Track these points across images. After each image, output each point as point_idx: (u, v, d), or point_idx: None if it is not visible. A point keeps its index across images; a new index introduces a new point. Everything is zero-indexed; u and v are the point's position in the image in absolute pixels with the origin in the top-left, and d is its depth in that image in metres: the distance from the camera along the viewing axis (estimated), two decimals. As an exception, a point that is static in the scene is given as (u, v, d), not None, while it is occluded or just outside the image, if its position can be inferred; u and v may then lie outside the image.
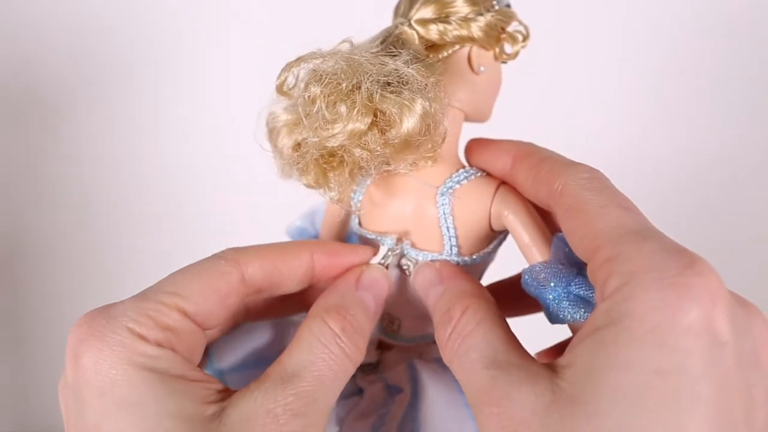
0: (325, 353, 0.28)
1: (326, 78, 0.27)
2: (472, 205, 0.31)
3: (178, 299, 0.27)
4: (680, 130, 0.79)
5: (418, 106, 0.27)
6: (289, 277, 0.31)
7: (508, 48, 0.32)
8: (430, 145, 0.29)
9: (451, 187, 0.31)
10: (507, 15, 0.32)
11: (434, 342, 0.33)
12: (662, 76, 0.78)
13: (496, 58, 0.32)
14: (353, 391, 0.35)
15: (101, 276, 0.82)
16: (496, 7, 0.32)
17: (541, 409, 0.23)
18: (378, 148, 0.28)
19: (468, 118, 0.33)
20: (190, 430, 0.25)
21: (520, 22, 0.33)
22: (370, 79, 0.27)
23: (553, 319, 0.29)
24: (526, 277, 0.29)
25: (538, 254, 0.30)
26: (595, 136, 0.78)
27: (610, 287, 0.23)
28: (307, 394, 0.26)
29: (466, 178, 0.31)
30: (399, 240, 0.32)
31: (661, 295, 0.22)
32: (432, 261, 0.32)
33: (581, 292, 0.28)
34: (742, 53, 0.76)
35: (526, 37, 0.33)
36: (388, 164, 0.29)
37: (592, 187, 0.27)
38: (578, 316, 0.28)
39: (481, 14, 0.31)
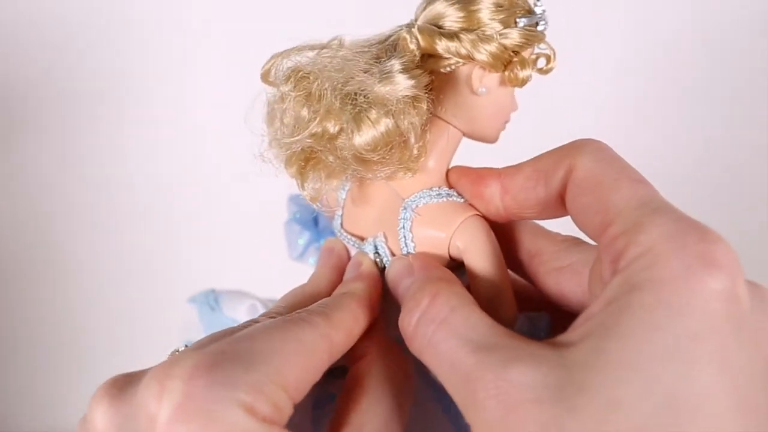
0: (403, 401, 0.27)
1: (294, 77, 0.27)
2: (432, 228, 0.30)
3: (280, 377, 0.24)
4: (671, 131, 0.77)
5: (381, 124, 0.27)
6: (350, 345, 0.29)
7: (518, 73, 0.30)
8: (404, 158, 0.29)
9: (415, 202, 0.30)
10: (529, 39, 0.30)
11: None
12: (654, 77, 0.76)
13: (503, 81, 0.30)
14: (325, 398, 0.33)
15: (101, 276, 0.83)
16: (521, 23, 0.29)
17: (553, 383, 0.21)
18: (348, 157, 0.28)
19: (468, 136, 0.32)
20: None
21: (549, 46, 0.31)
22: (334, 87, 0.27)
23: None
24: None
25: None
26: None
27: (628, 257, 0.22)
28: None
29: (436, 197, 0.30)
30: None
31: (685, 262, 0.21)
32: (400, 256, 0.30)
33: None
34: (733, 55, 0.74)
35: (550, 59, 0.31)
36: (362, 173, 0.29)
37: (603, 158, 0.26)
38: None
39: (493, 37, 0.29)
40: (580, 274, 0.28)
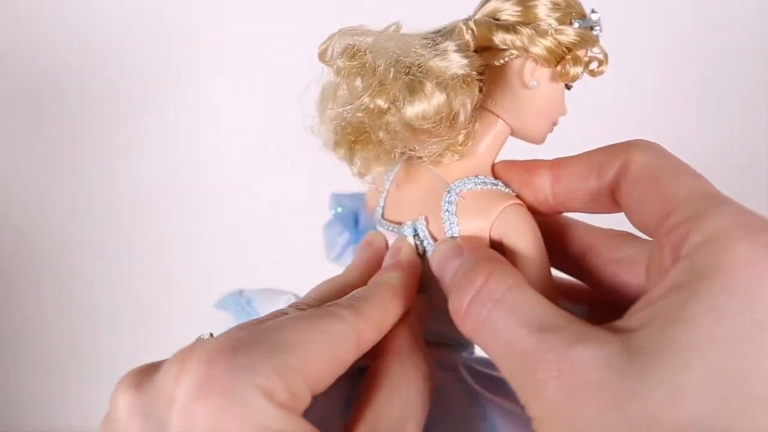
0: (419, 403, 0.26)
1: (354, 53, 0.28)
2: (476, 212, 0.29)
3: (302, 365, 0.24)
4: (678, 127, 0.76)
5: (435, 95, 0.27)
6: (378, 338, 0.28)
7: (570, 70, 0.30)
8: (450, 138, 0.29)
9: (459, 187, 0.30)
10: (584, 38, 0.30)
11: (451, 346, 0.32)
12: (659, 72, 0.75)
13: (553, 76, 0.30)
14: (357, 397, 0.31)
15: (100, 277, 0.83)
16: (576, 26, 0.30)
17: (617, 366, 0.20)
18: (398, 130, 0.28)
19: (515, 134, 0.32)
20: None
21: (602, 50, 0.31)
22: (390, 59, 0.27)
23: None
24: None
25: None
26: (592, 134, 0.75)
27: (692, 244, 0.22)
28: None
29: (480, 185, 0.30)
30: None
31: (753, 251, 0.21)
32: (446, 238, 0.30)
33: None
34: (736, 50, 0.73)
35: (602, 63, 0.31)
36: (411, 150, 0.30)
37: (660, 155, 0.26)
38: None
39: (548, 31, 0.29)
40: (637, 266, 0.28)
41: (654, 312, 0.21)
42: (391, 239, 0.33)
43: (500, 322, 0.24)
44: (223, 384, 0.22)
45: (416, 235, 0.31)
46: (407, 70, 0.27)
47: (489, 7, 0.31)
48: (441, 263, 0.29)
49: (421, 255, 0.32)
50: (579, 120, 0.76)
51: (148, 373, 0.25)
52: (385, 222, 0.34)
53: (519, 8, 0.30)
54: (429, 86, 0.27)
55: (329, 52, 0.30)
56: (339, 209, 0.39)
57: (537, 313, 0.23)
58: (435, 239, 0.31)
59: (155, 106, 0.79)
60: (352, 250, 0.40)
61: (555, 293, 0.28)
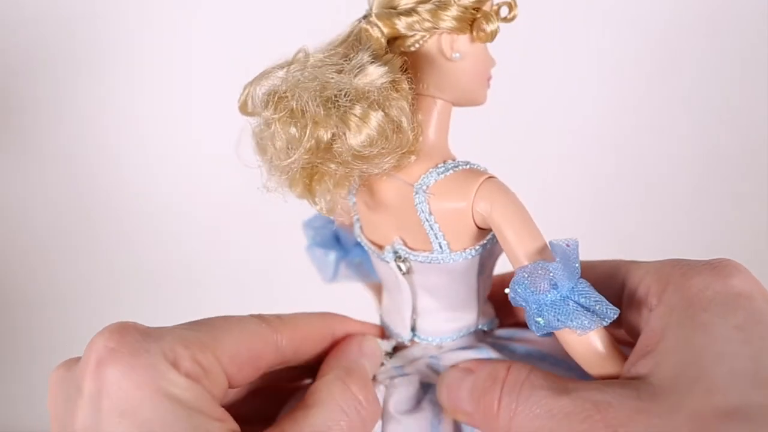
0: (344, 420, 0.28)
1: (272, 100, 0.27)
2: (450, 202, 0.29)
3: (215, 344, 0.27)
4: (668, 129, 0.78)
5: (371, 118, 0.27)
6: (312, 351, 0.31)
7: (486, 27, 0.29)
8: (403, 142, 0.28)
9: (425, 184, 0.29)
10: None
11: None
12: (648, 74, 0.76)
13: (473, 39, 0.30)
14: None
15: (99, 277, 0.82)
16: None
17: (647, 394, 0.24)
18: (348, 159, 0.28)
19: (457, 105, 0.32)
20: None
21: None
22: (312, 96, 0.26)
23: (545, 326, 0.27)
24: (521, 275, 0.27)
25: (525, 258, 0.28)
26: (583, 136, 0.78)
27: (657, 294, 0.27)
28: None
29: (444, 172, 0.29)
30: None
31: (702, 278, 0.26)
32: (452, 367, 0.31)
33: (583, 300, 0.27)
34: (726, 50, 0.74)
35: (512, 6, 0.31)
36: (367, 170, 0.29)
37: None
38: (575, 324, 0.26)
39: (449, 1, 0.28)
40: None
41: (657, 355, 0.25)
42: (376, 261, 0.33)
43: (531, 397, 0.26)
44: (131, 349, 0.24)
45: (399, 257, 0.31)
46: (335, 102, 0.26)
47: (377, 8, 0.30)
48: (453, 389, 0.30)
49: (406, 272, 0.32)
50: (569, 127, 0.76)
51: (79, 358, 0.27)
52: (366, 241, 0.33)
53: None
54: (361, 111, 0.26)
55: (249, 103, 0.29)
56: (316, 239, 0.38)
57: (561, 383, 0.27)
58: (417, 250, 0.31)
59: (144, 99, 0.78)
60: (347, 267, 0.39)
61: (549, 254, 0.28)
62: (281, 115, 0.27)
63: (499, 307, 0.35)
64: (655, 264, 0.29)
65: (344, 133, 0.26)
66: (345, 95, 0.26)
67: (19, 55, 0.74)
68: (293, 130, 0.27)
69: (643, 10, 0.73)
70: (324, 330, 0.32)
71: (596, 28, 0.74)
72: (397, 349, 0.35)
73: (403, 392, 0.32)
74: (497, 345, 0.33)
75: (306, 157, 0.27)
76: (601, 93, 0.76)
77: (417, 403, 0.32)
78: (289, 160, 0.27)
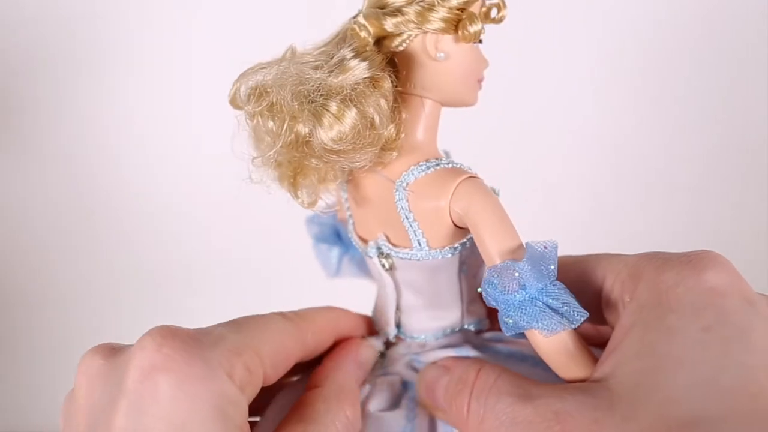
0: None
1: (253, 94, 0.28)
2: (429, 201, 0.29)
3: (260, 349, 0.27)
4: (668, 129, 0.76)
5: (335, 111, 0.27)
6: (323, 345, 0.33)
7: (470, 28, 0.30)
8: (378, 139, 0.29)
9: (405, 181, 0.30)
10: None
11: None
12: (648, 74, 0.74)
13: (457, 40, 0.30)
14: None
15: (99, 277, 0.82)
16: None
17: (605, 405, 0.24)
18: (323, 154, 0.29)
19: (447, 105, 0.32)
20: None
21: None
22: (291, 92, 0.27)
23: (513, 326, 0.27)
24: (491, 275, 0.28)
25: (498, 257, 0.28)
26: (583, 136, 0.76)
27: (627, 295, 0.27)
28: None
29: (425, 170, 0.30)
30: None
31: (675, 272, 0.25)
32: (431, 364, 0.32)
33: (551, 301, 0.27)
34: (726, 50, 0.72)
35: (500, 7, 0.31)
36: (344, 165, 0.30)
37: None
38: (540, 325, 0.26)
39: (434, 2, 0.29)
40: None
41: (618, 356, 0.25)
42: (364, 257, 0.34)
43: (497, 404, 0.27)
44: (187, 357, 0.24)
45: (381, 253, 0.32)
46: (309, 97, 0.27)
47: (366, 8, 0.31)
48: (431, 386, 0.31)
49: (389, 268, 0.32)
50: (569, 127, 0.75)
51: (117, 347, 0.27)
52: (355, 237, 0.34)
53: None
54: (334, 106, 0.27)
55: (237, 97, 0.30)
56: (318, 235, 0.40)
57: (525, 388, 0.27)
58: (398, 246, 0.31)
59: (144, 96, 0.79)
60: (349, 262, 0.40)
61: (522, 255, 0.28)
62: (261, 108, 0.28)
63: (491, 309, 0.35)
64: (632, 257, 0.28)
65: (315, 128, 0.27)
66: (319, 91, 0.27)
67: (19, 55, 0.74)
68: (271, 123, 0.28)
69: (643, 10, 0.72)
70: (332, 324, 0.33)
71: (596, 28, 0.73)
72: (387, 345, 0.35)
73: (384, 393, 0.32)
74: (481, 346, 0.33)
75: (286, 150, 0.29)
76: (601, 92, 0.76)
77: (396, 402, 0.32)
78: (268, 154, 0.28)
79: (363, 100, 0.28)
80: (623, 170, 0.77)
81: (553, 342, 0.27)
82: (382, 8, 0.30)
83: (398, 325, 0.34)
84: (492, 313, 0.35)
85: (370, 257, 0.33)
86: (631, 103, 0.76)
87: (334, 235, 0.39)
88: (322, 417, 0.29)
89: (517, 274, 0.27)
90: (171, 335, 0.25)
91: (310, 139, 0.28)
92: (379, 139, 0.29)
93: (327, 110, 0.27)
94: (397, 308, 0.33)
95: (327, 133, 0.27)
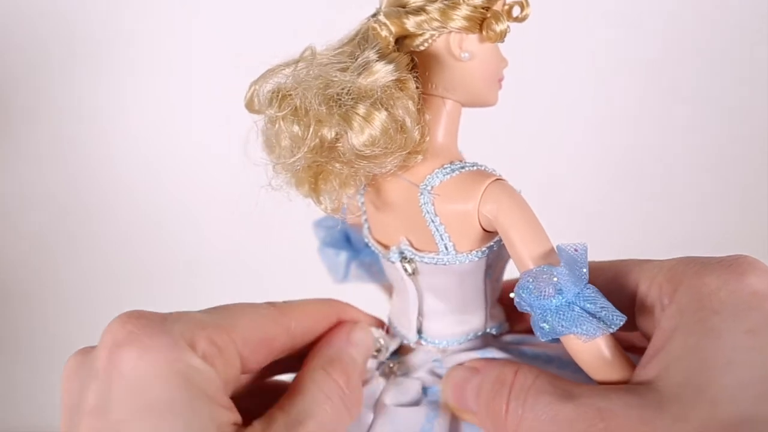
0: (328, 405, 0.28)
1: (276, 98, 0.27)
2: (456, 204, 0.29)
3: (231, 327, 0.27)
4: (671, 127, 0.77)
5: (366, 115, 0.26)
6: (312, 334, 0.32)
7: (495, 27, 0.29)
8: (407, 143, 0.28)
9: (429, 185, 0.29)
10: None
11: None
12: (650, 73, 0.75)
13: (482, 39, 0.29)
14: None
15: (99, 278, 0.82)
16: None
17: (654, 407, 0.24)
18: (352, 159, 0.28)
19: (468, 106, 0.31)
20: None
21: None
22: (317, 95, 0.26)
23: (550, 331, 0.27)
24: (526, 280, 0.27)
25: (531, 262, 0.27)
26: (584, 135, 0.77)
27: (669, 294, 0.27)
28: None
29: (450, 173, 0.29)
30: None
31: (716, 276, 0.25)
32: (457, 365, 0.32)
33: (589, 306, 0.26)
34: (728, 50, 0.73)
35: (524, 6, 0.30)
36: (372, 170, 0.29)
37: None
38: (580, 330, 0.26)
39: (458, 0, 0.28)
40: None
41: (665, 359, 0.25)
42: (383, 262, 0.33)
43: (536, 403, 0.26)
44: (149, 332, 0.25)
45: (404, 257, 0.31)
46: (338, 101, 0.26)
47: (386, 6, 0.29)
48: (460, 387, 0.30)
49: (412, 273, 0.31)
50: (578, 128, 0.75)
51: (94, 346, 0.27)
52: (373, 242, 0.33)
53: None
54: (364, 110, 0.26)
55: (255, 101, 0.29)
56: (326, 239, 0.39)
57: (565, 388, 0.26)
58: (423, 251, 0.31)
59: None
60: (357, 267, 0.39)
61: (556, 259, 0.27)
62: (285, 112, 0.27)
63: (509, 312, 0.35)
64: (668, 262, 0.28)
65: (346, 133, 0.26)
66: (348, 93, 0.26)
67: (18, 54, 0.74)
68: (296, 128, 0.27)
69: (648, 9, 0.72)
70: (330, 313, 0.33)
71: (604, 26, 0.74)
72: (403, 349, 0.34)
73: (403, 389, 0.32)
74: (504, 348, 0.33)
75: (310, 155, 0.27)
76: (609, 93, 0.76)
77: (416, 401, 0.32)
78: (293, 159, 0.27)
79: (392, 103, 0.27)
80: (632, 170, 0.78)
81: (591, 346, 0.27)
82: (402, 6, 0.29)
83: (419, 331, 0.33)
84: (510, 317, 0.35)
85: (392, 262, 0.32)
86: (636, 102, 0.76)
87: (343, 239, 0.38)
88: (309, 388, 0.29)
89: (555, 279, 0.26)
90: (136, 315, 0.26)
91: (337, 144, 0.27)
92: (408, 142, 0.28)
93: (357, 114, 0.26)
94: (419, 313, 0.33)
95: (358, 138, 0.26)
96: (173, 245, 0.80)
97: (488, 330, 0.33)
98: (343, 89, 0.26)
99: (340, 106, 0.26)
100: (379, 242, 0.33)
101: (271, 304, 0.31)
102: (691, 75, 0.75)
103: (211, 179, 0.74)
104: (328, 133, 0.27)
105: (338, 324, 0.33)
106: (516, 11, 0.30)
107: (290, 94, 0.27)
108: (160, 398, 0.24)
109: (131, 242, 0.80)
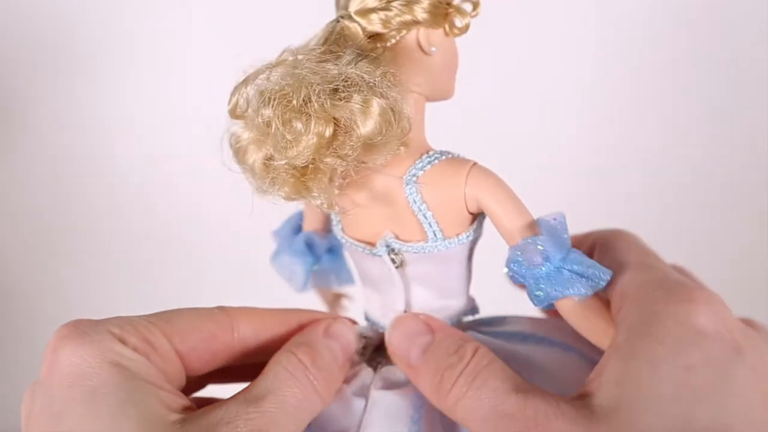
0: (291, 381, 0.29)
1: (274, 98, 0.27)
2: (442, 189, 0.30)
3: (165, 324, 0.29)
4: (662, 128, 0.79)
5: (374, 105, 0.27)
6: (266, 334, 0.32)
7: (457, 22, 0.31)
8: (400, 133, 0.29)
9: (414, 175, 0.30)
10: None
11: None
12: (642, 73, 0.76)
13: (446, 33, 0.31)
14: None
15: (99, 278, 0.81)
16: None
17: (584, 425, 0.24)
18: (349, 153, 0.28)
19: (429, 99, 0.33)
20: (151, 428, 0.25)
21: None
22: (317, 89, 0.26)
23: (545, 297, 0.29)
24: (515, 253, 0.29)
25: (519, 236, 0.29)
26: (576, 135, 0.78)
27: (623, 311, 0.28)
28: (269, 415, 0.27)
29: (429, 162, 0.30)
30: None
31: (671, 305, 0.26)
32: (411, 314, 0.32)
33: (576, 267, 0.28)
34: (727, 49, 0.75)
35: (476, 5, 0.32)
36: (363, 163, 0.29)
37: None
38: (573, 291, 0.28)
39: None
40: None
41: (606, 379, 0.26)
42: (363, 259, 0.33)
43: (483, 386, 0.27)
44: (80, 332, 0.27)
45: (392, 250, 0.32)
46: (341, 94, 0.27)
47: (356, 5, 0.30)
48: (407, 338, 0.31)
49: (400, 265, 0.32)
50: (567, 126, 0.76)
51: None
52: (349, 240, 0.33)
53: None
54: (372, 100, 0.27)
55: (241, 105, 0.28)
56: (285, 247, 0.38)
57: (514, 379, 0.28)
58: (410, 241, 0.31)
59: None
60: (318, 275, 0.39)
61: (539, 231, 0.29)
62: (284, 111, 0.26)
63: None
64: (641, 276, 0.29)
65: (355, 123, 0.27)
66: (350, 86, 0.27)
67: (18, 55, 0.73)
68: (299, 125, 0.26)
69: (640, 6, 0.74)
70: (287, 317, 0.33)
71: (591, 22, 0.74)
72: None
73: (390, 375, 0.33)
74: (483, 333, 0.34)
75: (308, 152, 0.27)
76: (599, 91, 0.77)
77: (404, 382, 0.32)
78: (294, 155, 0.27)
79: (389, 93, 0.28)
80: (618, 167, 0.78)
81: (583, 305, 0.29)
82: (369, 5, 0.30)
83: None
84: None
85: (379, 256, 0.32)
86: (625, 100, 0.77)
87: (304, 247, 0.38)
88: (272, 367, 0.29)
89: (540, 248, 0.29)
90: (69, 324, 0.28)
91: (335, 139, 0.27)
92: (404, 131, 0.29)
93: (362, 104, 0.27)
94: (406, 305, 0.33)
95: (365, 127, 0.27)
96: (174, 246, 0.78)
97: (466, 312, 0.35)
98: (344, 82, 0.27)
99: (347, 99, 0.27)
100: (359, 240, 0.33)
101: (218, 307, 0.31)
102: (687, 73, 0.76)
103: (213, 180, 0.70)
104: (328, 129, 0.27)
105: (315, 321, 0.33)
106: (468, 7, 0.32)
107: (286, 92, 0.27)
108: (98, 385, 0.26)
109: (132, 242, 0.79)
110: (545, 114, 0.75)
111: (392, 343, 0.32)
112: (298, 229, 0.38)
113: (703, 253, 0.72)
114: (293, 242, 0.38)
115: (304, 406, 0.29)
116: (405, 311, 0.33)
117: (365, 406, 0.32)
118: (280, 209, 0.31)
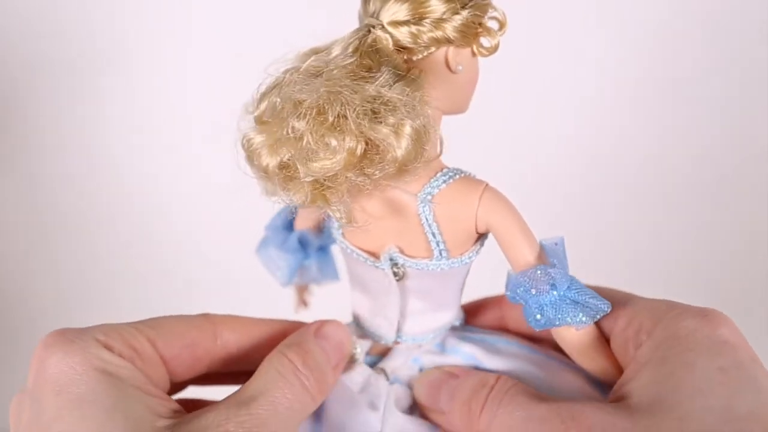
0: (282, 382, 0.29)
1: (309, 112, 0.26)
2: (455, 209, 0.30)
3: (150, 331, 0.30)
4: (664, 130, 0.79)
5: (408, 129, 0.27)
6: (251, 341, 0.32)
7: (485, 42, 0.31)
8: (430, 155, 0.29)
9: (429, 193, 0.30)
10: (482, 8, 0.30)
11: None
12: (647, 72, 0.76)
13: (474, 54, 0.31)
14: None
15: (100, 278, 0.80)
16: (471, 2, 0.30)
17: (625, 416, 0.25)
18: (376, 173, 0.27)
19: (445, 113, 0.33)
20: None
21: (495, 9, 0.32)
22: (355, 108, 0.26)
23: (545, 323, 0.30)
24: (522, 279, 0.30)
25: (526, 263, 0.30)
26: (576, 135, 0.78)
27: (647, 332, 0.29)
28: (261, 417, 0.27)
29: (445, 181, 0.31)
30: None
31: (693, 321, 0.28)
32: (434, 368, 0.33)
33: (576, 296, 0.30)
34: (725, 50, 0.75)
35: (503, 25, 0.32)
36: (395, 181, 0.29)
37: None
38: (575, 320, 0.29)
39: (457, 12, 0.29)
40: None
41: (639, 382, 0.27)
42: (360, 266, 0.33)
43: (512, 401, 0.28)
44: (65, 340, 0.27)
45: (396, 264, 0.32)
46: (378, 115, 0.26)
47: (390, 10, 0.29)
48: (434, 388, 0.32)
49: (401, 277, 0.32)
50: (567, 129, 0.75)
51: None
52: (350, 246, 0.33)
53: (414, 4, 0.29)
54: (406, 126, 0.26)
55: (269, 111, 0.27)
56: (274, 241, 0.37)
57: (539, 395, 0.29)
58: (415, 257, 0.32)
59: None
60: (305, 270, 0.38)
61: (544, 257, 0.30)
62: (318, 127, 0.26)
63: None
64: (650, 302, 0.30)
65: (391, 146, 0.26)
66: (387, 108, 0.26)
67: (18, 55, 0.72)
68: (333, 142, 0.26)
69: (643, 8, 0.73)
70: (272, 325, 0.33)
71: (596, 24, 0.73)
72: (374, 349, 0.35)
73: (401, 392, 0.33)
74: (471, 339, 0.35)
75: (337, 168, 0.27)
76: (599, 91, 0.76)
77: (412, 409, 0.33)
78: (317, 168, 0.26)
79: (420, 111, 0.27)
80: (616, 167, 0.78)
81: (582, 334, 0.31)
82: (400, 18, 0.29)
83: (398, 330, 0.34)
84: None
85: (382, 269, 0.32)
86: (625, 100, 0.76)
87: (297, 243, 0.37)
88: (263, 369, 0.30)
89: (549, 277, 0.29)
90: (54, 332, 0.28)
91: (365, 156, 0.27)
92: (431, 153, 0.28)
93: (400, 128, 0.26)
94: (401, 315, 0.34)
95: (401, 150, 0.27)
96: (174, 247, 0.77)
97: (456, 323, 0.36)
98: (384, 106, 0.26)
99: (380, 122, 0.26)
100: (360, 248, 0.33)
101: (202, 314, 0.32)
102: (687, 73, 0.75)
103: (214, 182, 0.67)
104: (360, 148, 0.26)
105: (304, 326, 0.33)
106: (494, 25, 0.32)
107: (322, 107, 0.26)
108: (85, 393, 0.26)
109: (132, 244, 0.79)
110: (545, 114, 0.75)
111: (421, 396, 0.32)
112: (288, 224, 0.38)
113: (703, 253, 0.76)
114: (287, 240, 0.37)
115: (296, 407, 0.29)
116: (398, 320, 0.34)
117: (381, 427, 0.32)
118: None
